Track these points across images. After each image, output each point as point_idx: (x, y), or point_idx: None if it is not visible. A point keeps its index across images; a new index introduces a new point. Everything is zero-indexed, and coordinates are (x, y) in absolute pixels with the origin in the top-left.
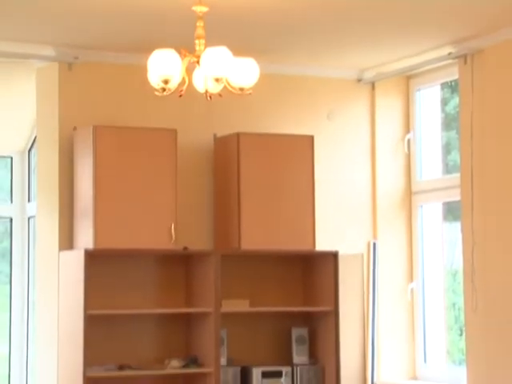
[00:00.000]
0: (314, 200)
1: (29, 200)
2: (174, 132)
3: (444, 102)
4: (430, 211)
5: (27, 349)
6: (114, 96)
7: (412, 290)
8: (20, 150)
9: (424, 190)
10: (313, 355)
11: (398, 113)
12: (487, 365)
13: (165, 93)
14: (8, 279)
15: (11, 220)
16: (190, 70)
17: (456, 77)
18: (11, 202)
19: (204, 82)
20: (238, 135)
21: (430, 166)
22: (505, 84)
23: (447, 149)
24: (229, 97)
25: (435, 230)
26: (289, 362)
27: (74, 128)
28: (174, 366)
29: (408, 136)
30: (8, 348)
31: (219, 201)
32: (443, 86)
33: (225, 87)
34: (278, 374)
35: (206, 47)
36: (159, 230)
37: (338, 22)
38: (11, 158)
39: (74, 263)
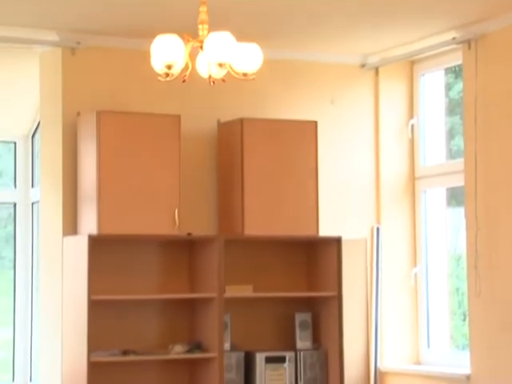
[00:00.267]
0: (317, 185)
1: (32, 185)
2: (178, 117)
3: (448, 87)
4: (434, 196)
5: (31, 334)
6: (117, 81)
7: (415, 275)
8: (23, 135)
9: (428, 176)
10: (316, 340)
11: (401, 98)
12: (490, 350)
13: (168, 78)
14: (12, 264)
15: (15, 205)
16: (193, 56)
17: (460, 62)
18: (15, 187)
19: (207, 67)
20: (241, 121)
21: (434, 151)
22: (509, 69)
23: (451, 134)
24: (232, 82)
25: (439, 216)
26: (292, 347)
27: (78, 113)
28: (178, 351)
29: (412, 121)
30: (12, 333)
31: (223, 186)
32: (447, 71)
33: (228, 72)
34: (282, 359)
35: (209, 32)
36: (163, 215)
37: (342, 7)
38: (15, 144)
39: (77, 249)
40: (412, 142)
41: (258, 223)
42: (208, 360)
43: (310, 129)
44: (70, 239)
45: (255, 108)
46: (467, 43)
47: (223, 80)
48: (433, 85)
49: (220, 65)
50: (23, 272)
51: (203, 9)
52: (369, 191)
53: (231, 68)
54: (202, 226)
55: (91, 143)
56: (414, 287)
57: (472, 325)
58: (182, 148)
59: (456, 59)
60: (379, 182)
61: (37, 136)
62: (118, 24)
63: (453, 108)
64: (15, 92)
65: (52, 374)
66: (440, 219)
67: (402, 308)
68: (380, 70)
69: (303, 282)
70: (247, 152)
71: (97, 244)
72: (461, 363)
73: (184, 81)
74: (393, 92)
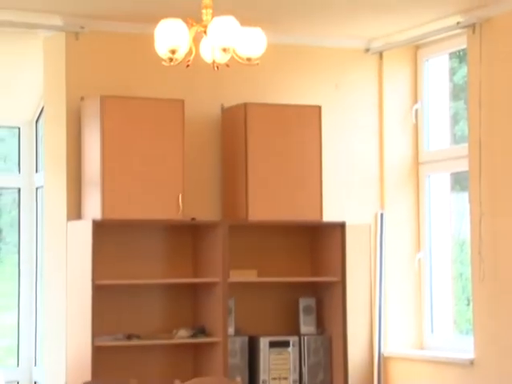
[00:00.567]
0: (321, 170)
1: (37, 170)
2: (182, 102)
3: (452, 72)
4: (438, 181)
5: (36, 319)
6: (121, 66)
7: (419, 260)
8: (28, 120)
9: (432, 161)
10: (320, 325)
11: (405, 83)
12: (494, 335)
13: (172, 63)
14: (16, 249)
15: (19, 190)
16: (197, 40)
17: (464, 46)
18: (19, 172)
19: (211, 52)
20: (245, 105)
21: (438, 136)
22: None
23: (455, 119)
24: (236, 67)
25: (443, 201)
26: (296, 331)
27: (82, 98)
28: (182, 336)
29: (416, 106)
30: (17, 318)
31: (226, 171)
32: (451, 55)
33: (232, 57)
34: (286, 344)
35: (213, 17)
36: (167, 200)
37: None
38: (19, 129)
39: (81, 233)
40: (416, 127)
41: (262, 208)
42: (212, 344)
43: (313, 114)
44: (74, 224)
45: (259, 93)
46: (471, 28)
47: (227, 65)
48: (437, 69)
49: (224, 49)
50: (27, 257)
51: None
52: (373, 176)
53: (235, 53)
54: (206, 211)
55: (95, 128)
56: (417, 272)
57: (476, 310)
58: (186, 133)
59: (460, 44)
60: (383, 167)
61: (41, 121)
62: (121, 8)
63: (457, 93)
64: (19, 77)
65: (56, 358)
66: (444, 204)
67: (406, 293)
68: (384, 54)
69: (307, 267)
70: (251, 137)
71: (101, 229)
72: (464, 348)
73: (188, 65)
74: (397, 77)
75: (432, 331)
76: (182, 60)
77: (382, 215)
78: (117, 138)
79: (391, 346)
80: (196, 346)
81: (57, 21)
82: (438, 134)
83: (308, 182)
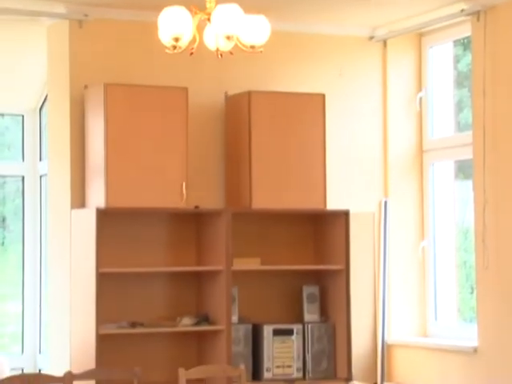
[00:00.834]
0: (325, 158)
1: (40, 158)
2: (185, 90)
3: (456, 60)
4: (442, 169)
5: (40, 306)
6: (124, 54)
7: (423, 248)
8: (31, 108)
9: (436, 148)
10: (324, 313)
11: (410, 71)
12: (498, 322)
13: (175, 51)
14: (20, 237)
15: (23, 178)
16: (200, 28)
17: (468, 34)
18: (23, 160)
19: (215, 39)
20: (249, 93)
21: (442, 124)
22: None
23: (459, 107)
24: (240, 55)
25: (447, 189)
26: (300, 319)
27: (85, 86)
28: (186, 324)
29: (420, 94)
30: (21, 306)
31: (230, 159)
32: (456, 43)
33: (236, 45)
34: (289, 332)
35: (216, 4)
36: (170, 188)
37: None
38: (22, 117)
39: (85, 221)
40: (420, 114)
41: (266, 196)
42: (216, 332)
43: (317, 101)
44: (78, 212)
45: (263, 81)
46: (476, 15)
47: (231, 52)
48: (441, 57)
49: (228, 37)
50: (32, 245)
51: None
52: (377, 164)
53: (239, 40)
54: (210, 199)
55: (99, 116)
56: (421, 260)
57: (479, 298)
58: (190, 121)
59: (465, 31)
60: (387, 155)
61: (44, 109)
62: None
63: (461, 80)
64: (23, 65)
65: (61, 346)
66: (448, 192)
67: (410, 281)
68: (388, 42)
69: (311, 255)
70: (255, 125)
71: (105, 217)
72: (468, 336)
73: (191, 53)
74: (401, 64)
75: (436, 319)
76: (185, 48)
77: (385, 203)
78: (120, 125)
79: (395, 333)
80: (200, 334)
81: (60, 8)
82: (442, 121)
83: (312, 169)
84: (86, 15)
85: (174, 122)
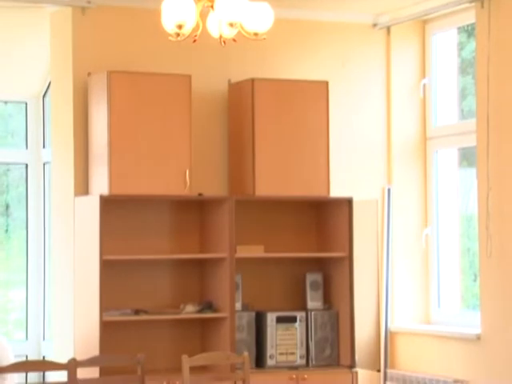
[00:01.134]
0: (328, 146)
1: (44, 146)
2: (189, 78)
3: (460, 47)
4: (445, 157)
5: (44, 293)
6: (128, 41)
7: (427, 235)
8: (34, 95)
9: (439, 136)
10: (327, 300)
11: (413, 58)
12: (501, 310)
13: (179, 38)
14: (24, 225)
15: (26, 166)
16: (204, 15)
17: (473, 21)
18: (26, 147)
19: (218, 27)
20: (252, 81)
21: (446, 111)
22: None
23: (463, 94)
24: (243, 42)
25: (450, 176)
26: (303, 307)
27: (89, 74)
28: (190, 311)
29: (423, 81)
30: (25, 293)
31: (234, 147)
32: (459, 30)
33: (239, 32)
34: (293, 319)
35: None
36: (174, 175)
37: None
38: (26, 104)
39: (89, 209)
40: (424, 102)
41: (269, 184)
42: (219, 320)
43: (321, 89)
44: (82, 199)
45: (266, 68)
46: (480, 2)
47: (234, 40)
48: (445, 44)
49: (231, 24)
50: (35, 232)
51: None
52: (380, 152)
53: (242, 28)
54: (213, 186)
55: (102, 103)
56: (424, 248)
57: (483, 285)
58: (193, 108)
59: (469, 18)
60: (390, 142)
61: (48, 96)
62: None
63: (465, 68)
64: (26, 52)
65: (65, 333)
66: (451, 180)
67: (413, 268)
68: (392, 29)
69: (314, 242)
70: (258, 112)
71: (108, 204)
72: (471, 323)
73: (195, 41)
74: (405, 52)
75: (439, 306)
76: (188, 35)
77: (389, 190)
78: (124, 113)
79: (398, 320)
80: (203, 321)
81: None
82: (446, 109)
83: (315, 157)
84: (89, 2)
85: (178, 109)
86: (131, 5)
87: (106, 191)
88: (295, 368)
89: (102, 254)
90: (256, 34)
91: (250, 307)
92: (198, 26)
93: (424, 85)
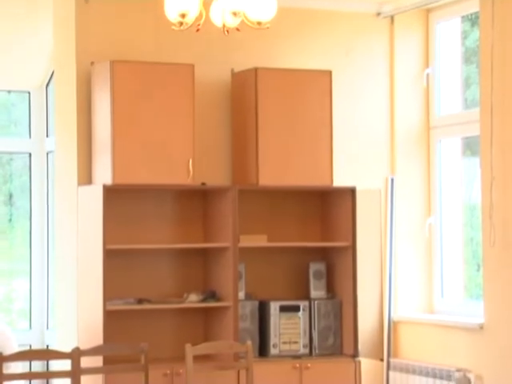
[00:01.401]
0: (331, 135)
1: (47, 135)
2: (192, 67)
3: (464, 36)
4: (449, 146)
5: (47, 283)
6: (131, 30)
7: (430, 225)
8: (38, 84)
9: (443, 125)
10: (330, 290)
11: (417, 47)
12: (504, 299)
13: (182, 27)
14: (27, 214)
15: (30, 155)
16: (207, 4)
17: (476, 9)
18: (30, 137)
19: (221, 16)
20: (255, 70)
21: (450, 100)
22: None
23: (467, 83)
24: (246, 31)
25: (454, 165)
26: (306, 296)
27: (92, 63)
28: (193, 300)
29: (427, 70)
30: (29, 282)
31: (237, 136)
32: (463, 19)
33: (242, 21)
34: (296, 308)
35: None
36: (177, 165)
37: None
38: (29, 93)
39: (92, 198)
40: (427, 91)
41: (273, 173)
42: (223, 309)
43: (324, 78)
44: (85, 189)
45: (269, 57)
46: None
47: (237, 29)
48: (449, 33)
49: (234, 13)
50: (39, 222)
51: None
52: (383, 141)
53: (245, 17)
54: (216, 176)
55: (105, 93)
56: (428, 237)
57: (486, 274)
58: (196, 97)
59: (472, 7)
60: (394, 131)
61: (51, 86)
62: None
63: (469, 57)
64: (29, 41)
65: (68, 322)
66: (455, 169)
67: (416, 258)
68: (395, 18)
69: (317, 232)
70: (261, 101)
71: (111, 194)
72: (474, 312)
73: (198, 30)
74: (408, 41)
75: (442, 296)
76: (191, 24)
77: (392, 180)
78: (127, 102)
79: (401, 310)
80: (207, 311)
81: None
82: (450, 98)
83: (318, 146)
84: None
85: (181, 98)
86: None
87: (109, 181)
88: (298, 357)
89: (105, 243)
90: (259, 23)
91: (253, 296)
92: (201, 15)
93: (428, 74)
